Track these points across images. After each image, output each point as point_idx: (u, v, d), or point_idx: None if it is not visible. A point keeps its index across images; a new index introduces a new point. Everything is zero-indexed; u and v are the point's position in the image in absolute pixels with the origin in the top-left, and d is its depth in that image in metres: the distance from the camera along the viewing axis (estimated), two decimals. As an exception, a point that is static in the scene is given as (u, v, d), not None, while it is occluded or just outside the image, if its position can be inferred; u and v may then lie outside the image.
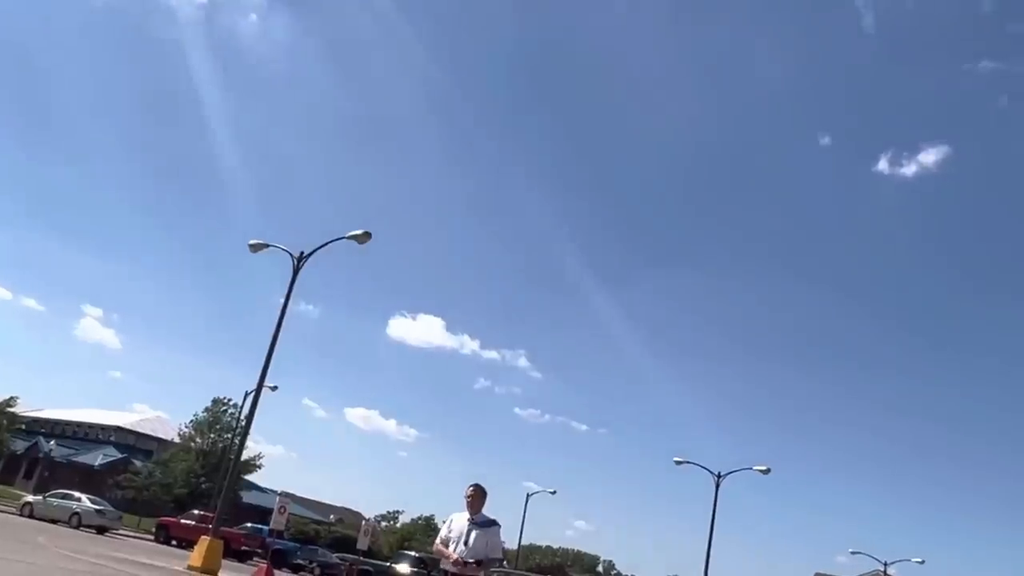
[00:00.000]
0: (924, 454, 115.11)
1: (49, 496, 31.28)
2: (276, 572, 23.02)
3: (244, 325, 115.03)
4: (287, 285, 22.45)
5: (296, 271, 22.29)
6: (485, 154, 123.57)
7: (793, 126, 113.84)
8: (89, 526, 29.12)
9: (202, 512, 33.34)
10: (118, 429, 60.81)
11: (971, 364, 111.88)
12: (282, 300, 22.74)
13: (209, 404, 48.61)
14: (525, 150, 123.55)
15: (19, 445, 54.01)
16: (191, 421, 48.73)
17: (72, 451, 56.16)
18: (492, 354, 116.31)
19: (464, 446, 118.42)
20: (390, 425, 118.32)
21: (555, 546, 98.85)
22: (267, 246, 23.39)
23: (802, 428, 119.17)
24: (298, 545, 36.75)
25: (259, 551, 33.02)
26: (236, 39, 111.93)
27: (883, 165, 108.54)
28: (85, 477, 48.45)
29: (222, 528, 22.29)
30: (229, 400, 48.24)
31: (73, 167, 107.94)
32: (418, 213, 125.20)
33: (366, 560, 34.17)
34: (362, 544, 30.01)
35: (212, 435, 47.52)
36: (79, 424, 64.29)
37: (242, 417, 41.49)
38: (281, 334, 21.91)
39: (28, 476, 53.99)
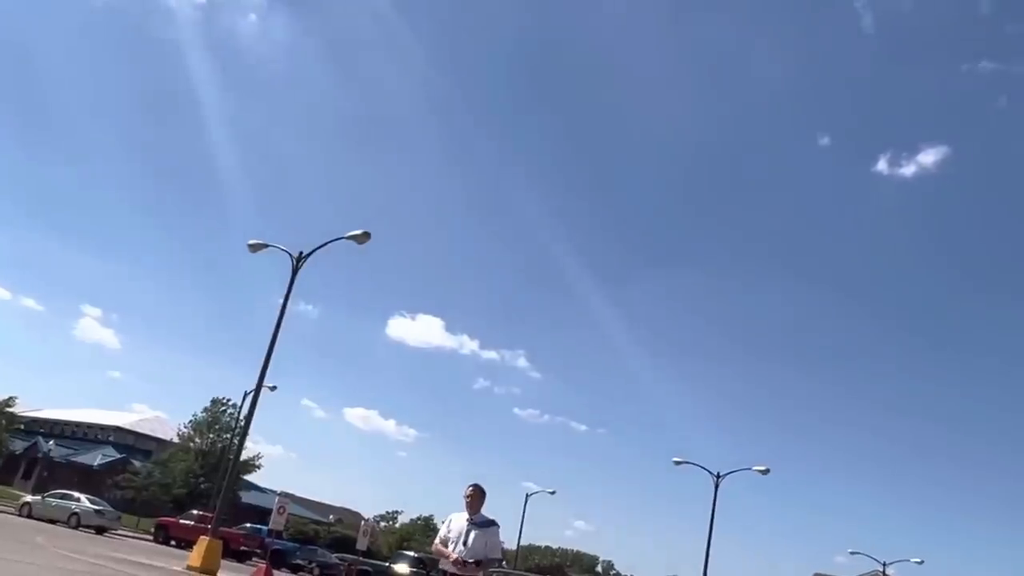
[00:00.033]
0: (924, 454, 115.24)
1: (48, 496, 31.27)
2: (275, 572, 23.01)
3: (243, 325, 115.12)
4: (286, 285, 22.49)
5: (295, 271, 22.29)
6: (485, 154, 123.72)
7: (792, 126, 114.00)
8: (88, 526, 29.11)
9: (201, 512, 33.32)
10: (117, 429, 60.77)
11: (971, 364, 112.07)
12: (281, 300, 22.78)
13: (208, 404, 48.69)
14: (525, 150, 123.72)
15: (18, 445, 53.97)
16: (190, 421, 48.79)
17: (71, 451, 56.13)
18: (491, 354, 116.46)
19: (463, 446, 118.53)
20: (389, 425, 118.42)
21: (554, 546, 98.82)
22: (266, 246, 23.39)
23: (802, 428, 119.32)
24: (297, 545, 36.75)
25: (258, 551, 33.01)
26: (236, 39, 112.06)
27: (882, 165, 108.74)
28: (84, 477, 48.41)
29: (221, 528, 22.28)
30: (228, 400, 48.31)
31: (72, 167, 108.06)
32: (417, 213, 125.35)
33: (365, 560, 34.16)
34: (361, 544, 30.00)
35: (211, 435, 47.50)
36: (78, 424, 64.26)
37: (241, 417, 41.48)
38: (280, 334, 21.95)
39: (27, 476, 53.96)
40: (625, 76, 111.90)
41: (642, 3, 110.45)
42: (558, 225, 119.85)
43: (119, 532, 31.77)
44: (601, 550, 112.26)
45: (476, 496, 6.39)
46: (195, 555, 19.30)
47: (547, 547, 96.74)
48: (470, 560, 6.14)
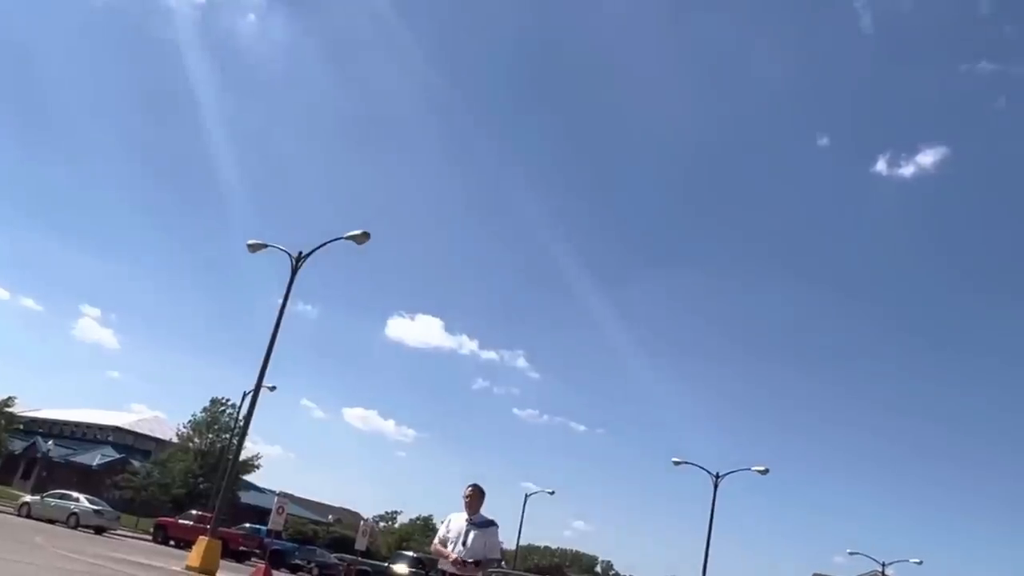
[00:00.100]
0: (924, 454, 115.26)
1: (47, 496, 31.26)
2: (274, 572, 23.00)
3: (242, 325, 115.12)
4: (285, 285, 22.49)
5: (294, 271, 22.29)
6: (484, 154, 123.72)
7: (792, 126, 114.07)
8: (87, 526, 29.10)
9: (200, 512, 33.32)
10: (116, 429, 60.74)
11: (971, 364, 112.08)
12: (280, 300, 22.79)
13: (207, 404, 48.71)
14: (524, 150, 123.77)
15: (17, 445, 53.94)
16: (189, 421, 48.80)
17: (70, 451, 56.10)
18: (491, 354, 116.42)
19: (462, 446, 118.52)
20: (388, 425, 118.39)
21: (553, 546, 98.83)
22: (265, 246, 23.39)
23: (802, 428, 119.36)
24: (296, 545, 36.74)
25: (257, 551, 33.01)
26: (235, 39, 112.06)
27: (881, 166, 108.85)
28: (83, 477, 48.39)
29: (220, 528, 22.27)
30: (227, 400, 48.31)
31: (71, 167, 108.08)
32: (417, 213, 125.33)
33: (364, 560, 34.18)
34: (360, 544, 30.01)
35: (210, 435, 47.51)
36: (77, 424, 64.21)
37: (240, 417, 41.46)
38: (279, 334, 21.96)
39: (26, 476, 53.94)
40: (625, 76, 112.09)
41: (642, 3, 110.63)
42: (558, 225, 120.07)
43: (118, 532, 31.76)
44: (600, 550, 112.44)
45: (475, 496, 6.39)
46: (194, 555, 19.30)
47: (546, 547, 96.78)
48: (469, 560, 6.14)
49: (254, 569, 22.81)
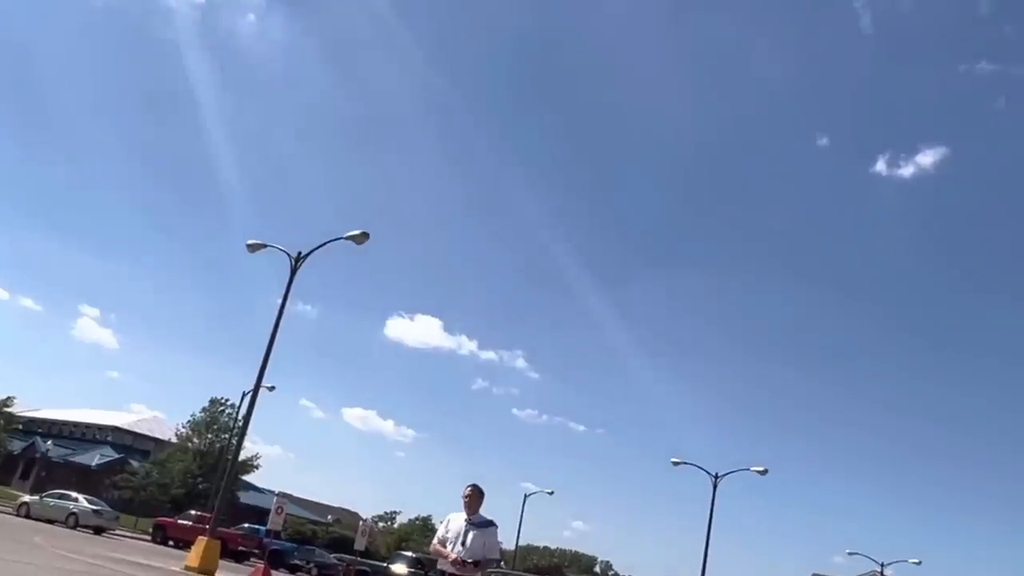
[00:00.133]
0: (924, 454, 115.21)
1: (46, 496, 31.25)
2: (273, 572, 23.00)
3: (242, 325, 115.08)
4: (285, 285, 22.50)
5: (294, 271, 22.29)
6: (483, 154, 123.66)
7: (792, 126, 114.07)
8: (86, 526, 29.10)
9: (199, 512, 33.32)
10: (115, 429, 60.73)
11: (971, 364, 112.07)
12: (280, 300, 22.79)
13: (206, 404, 48.74)
14: (524, 150, 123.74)
15: (16, 445, 53.90)
16: (188, 421, 48.80)
17: (69, 451, 56.07)
18: (490, 354, 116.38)
19: (462, 447, 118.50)
20: (388, 425, 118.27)
21: (553, 546, 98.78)
22: (265, 246, 23.39)
23: (801, 428, 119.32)
24: (295, 545, 36.73)
25: (256, 551, 33.00)
26: (234, 39, 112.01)
27: (881, 166, 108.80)
28: (82, 477, 48.37)
29: (219, 528, 22.25)
30: (226, 400, 48.33)
31: (71, 167, 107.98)
32: (417, 213, 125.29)
33: (363, 560, 34.19)
34: (359, 544, 30.02)
35: (209, 435, 47.51)
36: (76, 424, 64.19)
37: (239, 417, 41.47)
38: (279, 334, 21.96)
39: (25, 476, 53.92)
40: (625, 76, 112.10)
41: (642, 3, 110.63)
42: (558, 225, 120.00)
43: (117, 532, 31.76)
44: (599, 550, 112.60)
45: (474, 496, 6.39)
46: (193, 555, 19.29)
47: (545, 547, 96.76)
48: (468, 560, 6.14)
49: (253, 569, 22.80)
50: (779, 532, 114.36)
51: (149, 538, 33.36)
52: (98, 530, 29.48)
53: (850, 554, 43.99)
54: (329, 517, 67.61)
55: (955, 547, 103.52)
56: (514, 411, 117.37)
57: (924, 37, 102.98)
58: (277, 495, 26.76)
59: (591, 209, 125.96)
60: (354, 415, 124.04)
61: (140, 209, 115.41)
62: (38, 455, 54.83)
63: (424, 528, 58.79)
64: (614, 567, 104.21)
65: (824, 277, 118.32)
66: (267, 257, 23.87)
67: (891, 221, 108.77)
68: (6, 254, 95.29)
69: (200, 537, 20.16)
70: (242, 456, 41.41)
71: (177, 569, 18.81)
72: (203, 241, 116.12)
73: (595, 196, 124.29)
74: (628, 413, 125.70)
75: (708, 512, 34.98)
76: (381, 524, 65.41)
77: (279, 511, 22.15)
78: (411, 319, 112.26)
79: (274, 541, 31.58)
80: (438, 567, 6.48)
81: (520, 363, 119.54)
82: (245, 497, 50.55)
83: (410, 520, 63.97)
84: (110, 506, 32.44)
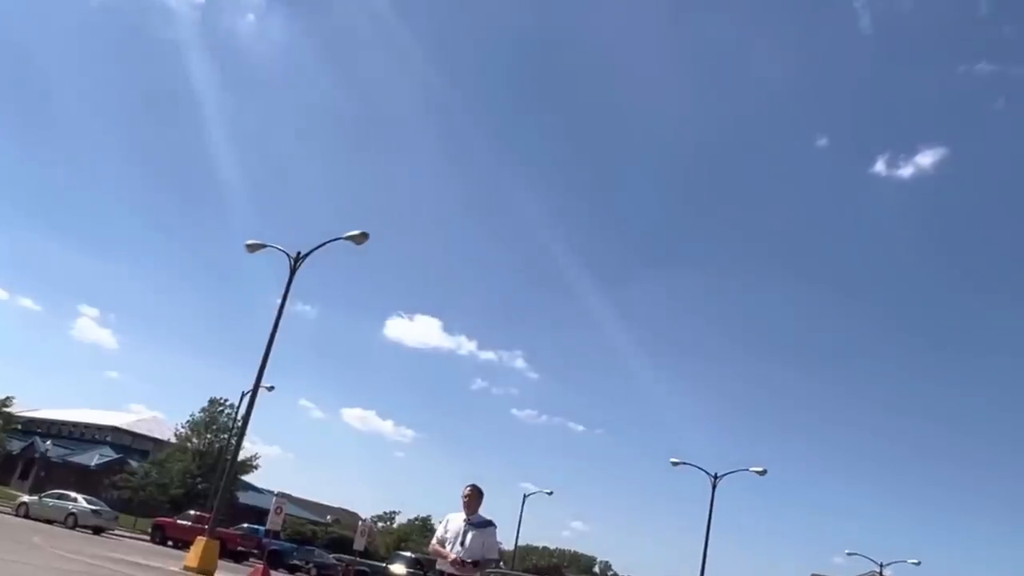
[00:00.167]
0: (924, 454, 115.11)
1: (45, 496, 31.24)
2: (272, 573, 23.00)
3: (241, 325, 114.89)
4: (284, 285, 22.50)
5: (293, 271, 22.30)
6: (484, 154, 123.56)
7: (791, 127, 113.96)
8: (85, 526, 29.09)
9: (198, 512, 33.32)
10: (114, 429, 60.73)
11: (971, 364, 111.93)
12: (279, 300, 22.79)
13: (206, 404, 48.76)
14: (523, 150, 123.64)
15: (15, 445, 53.88)
16: (187, 421, 48.80)
17: (68, 451, 56.04)
18: (489, 355, 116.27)
19: (461, 447, 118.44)
20: (387, 426, 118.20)
21: (552, 547, 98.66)
22: (264, 246, 23.39)
23: (801, 428, 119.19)
24: (294, 546, 36.74)
25: (255, 552, 32.99)
26: (234, 39, 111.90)
27: (880, 167, 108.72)
28: (81, 477, 48.34)
29: (218, 528, 22.23)
30: (226, 400, 48.33)
31: (70, 167, 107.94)
32: (416, 213, 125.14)
33: (362, 560, 34.20)
34: (358, 544, 30.03)
35: (208, 435, 47.52)
36: (75, 424, 64.19)
37: (239, 417, 41.49)
38: (278, 334, 21.96)
39: (24, 476, 53.88)
40: (625, 76, 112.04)
41: (642, 3, 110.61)
42: (557, 225, 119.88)
43: (116, 532, 31.76)
44: (599, 550, 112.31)
45: (474, 496, 6.39)
46: (192, 555, 19.29)
47: (545, 547, 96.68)
48: (467, 560, 6.14)
49: (252, 569, 22.80)
50: (778, 532, 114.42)
51: (148, 538, 33.35)
52: (97, 530, 29.48)
53: (849, 554, 44.04)
54: (328, 517, 67.58)
55: (955, 547, 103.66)
56: (513, 411, 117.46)
57: (924, 37, 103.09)
58: (276, 495, 26.79)
59: (591, 209, 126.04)
60: (353, 415, 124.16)
61: (140, 209, 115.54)
62: (37, 455, 54.79)
63: (423, 528, 58.78)
64: (613, 567, 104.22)
65: (824, 277, 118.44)
66: (267, 257, 23.91)
67: (891, 221, 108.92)
68: (6, 254, 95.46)
69: (199, 537, 20.16)
70: (241, 456, 41.36)
71: (176, 569, 18.80)
72: (203, 241, 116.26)
73: (595, 196, 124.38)
74: (628, 413, 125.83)
75: (707, 512, 35.05)
76: (380, 524, 65.40)
77: (278, 511, 22.15)
78: (410, 319, 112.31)
79: (273, 541, 31.60)
80: (437, 567, 6.48)
81: (519, 363, 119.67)
82: (244, 497, 50.54)
83: (409, 520, 63.98)
84: (109, 506, 32.43)
